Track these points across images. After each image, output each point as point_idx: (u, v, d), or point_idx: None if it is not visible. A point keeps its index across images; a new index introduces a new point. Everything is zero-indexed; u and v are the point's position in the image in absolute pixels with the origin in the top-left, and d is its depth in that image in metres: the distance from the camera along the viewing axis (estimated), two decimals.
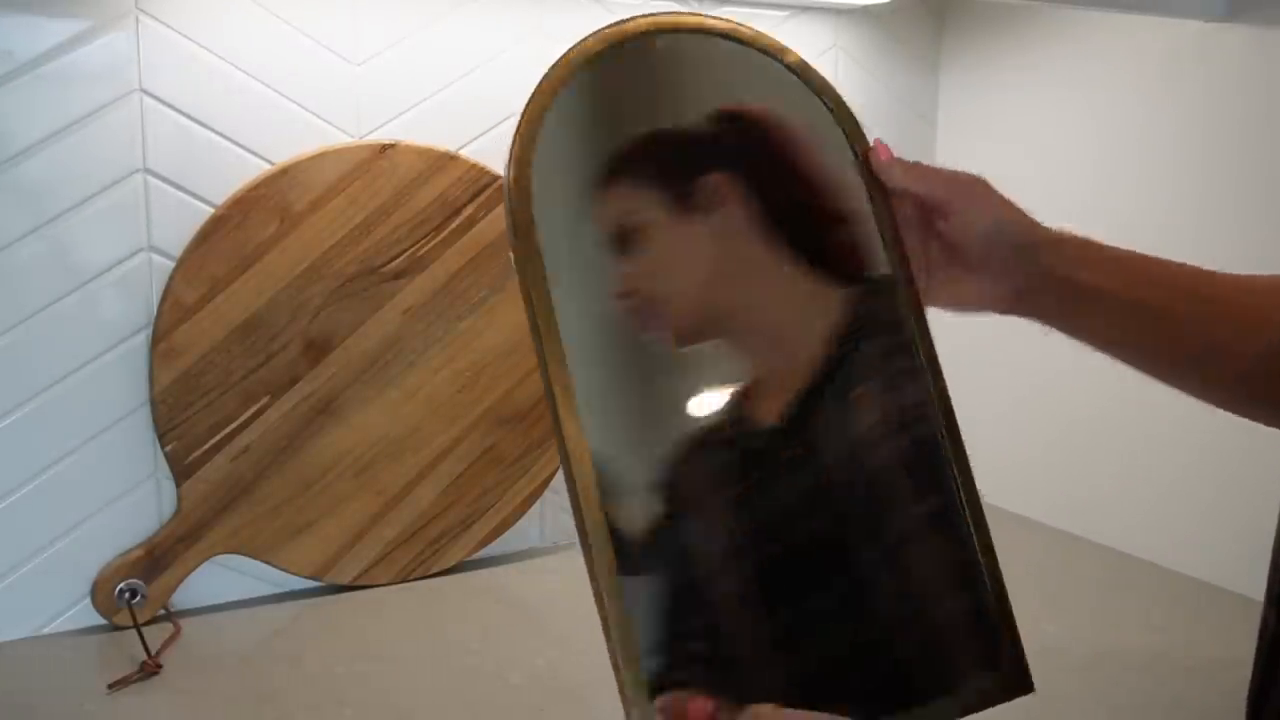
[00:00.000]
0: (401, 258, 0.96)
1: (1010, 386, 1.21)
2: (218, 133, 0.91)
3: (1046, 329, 0.61)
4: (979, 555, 0.55)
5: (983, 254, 0.58)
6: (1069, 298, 0.59)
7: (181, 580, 0.93)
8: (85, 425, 0.89)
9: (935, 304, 0.61)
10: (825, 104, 0.59)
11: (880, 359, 0.56)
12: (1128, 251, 0.60)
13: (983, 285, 0.59)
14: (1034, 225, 0.59)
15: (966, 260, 0.59)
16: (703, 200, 0.56)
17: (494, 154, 1.01)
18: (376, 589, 1.00)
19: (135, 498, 0.91)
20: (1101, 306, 0.60)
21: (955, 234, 0.58)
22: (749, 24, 0.60)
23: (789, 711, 0.48)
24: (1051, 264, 0.58)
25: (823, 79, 0.59)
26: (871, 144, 0.59)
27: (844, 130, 0.59)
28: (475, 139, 1.01)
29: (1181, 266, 0.60)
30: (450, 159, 0.97)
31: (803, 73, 0.59)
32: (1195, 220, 1.03)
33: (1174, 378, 0.62)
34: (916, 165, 0.59)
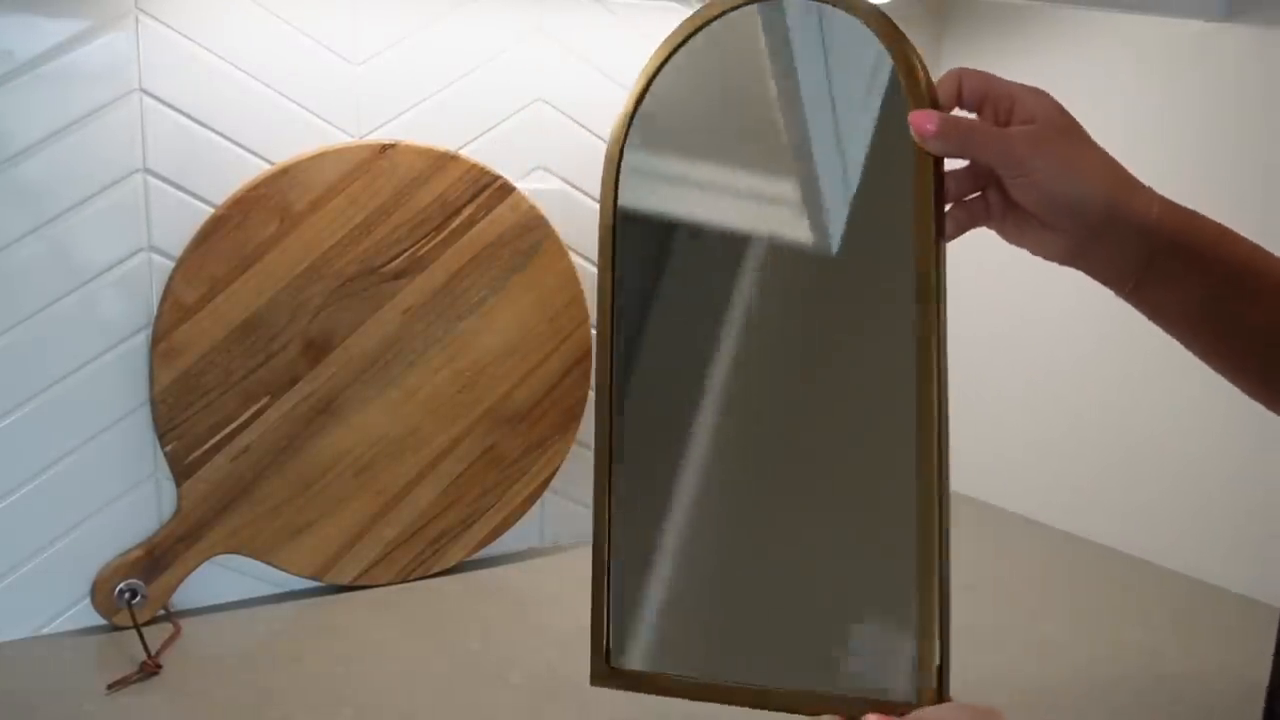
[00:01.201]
0: (401, 258, 0.96)
1: (1010, 385, 1.21)
2: (218, 133, 0.91)
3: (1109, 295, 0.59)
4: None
5: (1046, 215, 0.56)
6: (1138, 266, 0.57)
7: (181, 580, 0.93)
8: (85, 425, 0.89)
9: (1005, 239, 0.60)
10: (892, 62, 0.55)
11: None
12: (1218, 226, 0.58)
13: (1046, 238, 0.58)
14: (1109, 188, 0.56)
15: (1031, 215, 0.57)
16: None
17: (494, 154, 1.01)
18: (376, 589, 1.00)
19: (135, 498, 0.91)
20: (1172, 287, 0.58)
21: (1016, 195, 0.56)
22: None
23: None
24: (1123, 232, 0.56)
25: (898, 38, 0.55)
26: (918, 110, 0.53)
27: (906, 92, 0.54)
28: (475, 139, 1.01)
29: (1274, 257, 0.58)
30: (450, 159, 0.97)
31: (877, 26, 0.55)
32: None
33: (1238, 373, 0.60)
34: (961, 131, 0.53)
